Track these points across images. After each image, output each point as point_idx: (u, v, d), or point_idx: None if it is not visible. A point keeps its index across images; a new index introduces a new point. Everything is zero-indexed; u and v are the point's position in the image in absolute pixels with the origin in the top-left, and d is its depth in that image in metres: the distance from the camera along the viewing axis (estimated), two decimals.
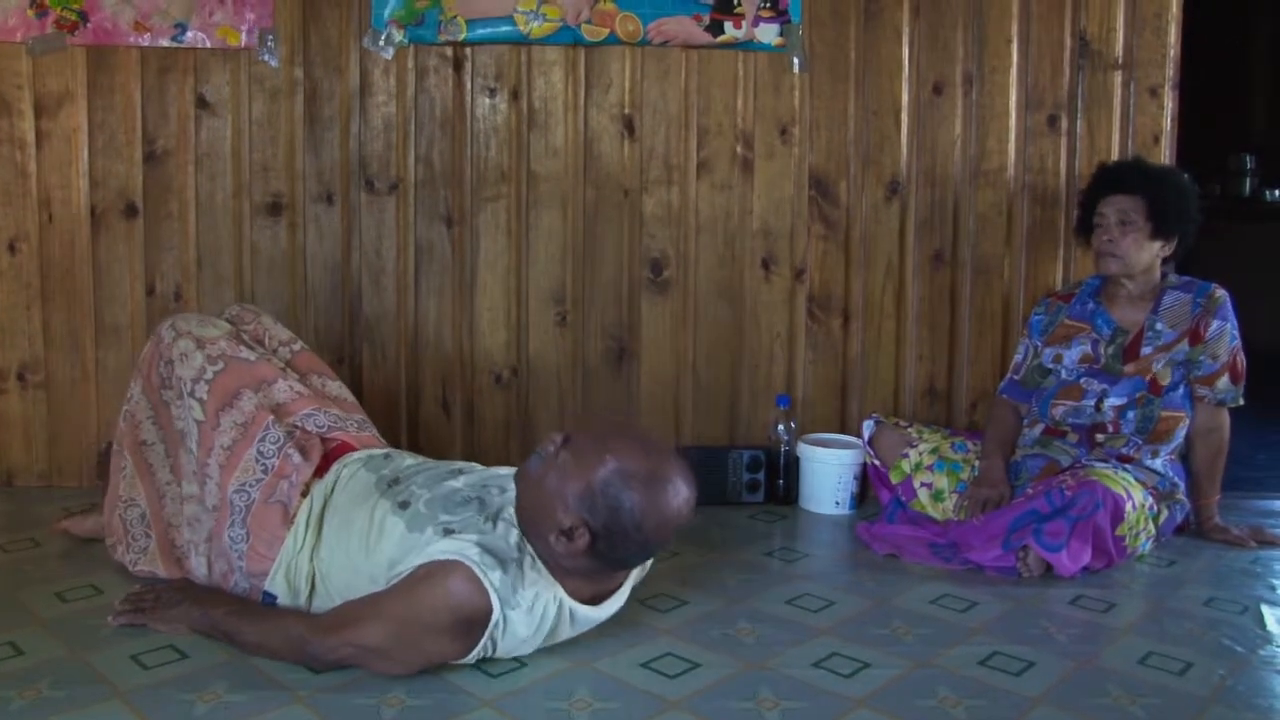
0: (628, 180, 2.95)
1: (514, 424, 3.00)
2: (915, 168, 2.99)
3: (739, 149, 2.96)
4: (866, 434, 2.87)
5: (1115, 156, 2.97)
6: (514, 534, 1.85)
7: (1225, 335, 2.63)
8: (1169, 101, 3.00)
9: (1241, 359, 2.66)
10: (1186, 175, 2.73)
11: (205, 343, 2.15)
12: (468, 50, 2.89)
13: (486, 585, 1.75)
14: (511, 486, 1.93)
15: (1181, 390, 2.65)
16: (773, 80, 2.94)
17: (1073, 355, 2.72)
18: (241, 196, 2.89)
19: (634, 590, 2.06)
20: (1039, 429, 2.74)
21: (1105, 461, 2.58)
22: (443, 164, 2.92)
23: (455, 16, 2.84)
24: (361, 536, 1.93)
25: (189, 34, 2.81)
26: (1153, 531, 2.54)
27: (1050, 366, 2.75)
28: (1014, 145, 3.00)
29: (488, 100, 2.91)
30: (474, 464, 2.15)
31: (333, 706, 1.73)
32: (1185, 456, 2.71)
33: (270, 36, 2.84)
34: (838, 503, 2.87)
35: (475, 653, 1.81)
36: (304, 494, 2.05)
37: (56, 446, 2.90)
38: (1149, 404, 2.62)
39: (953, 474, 2.72)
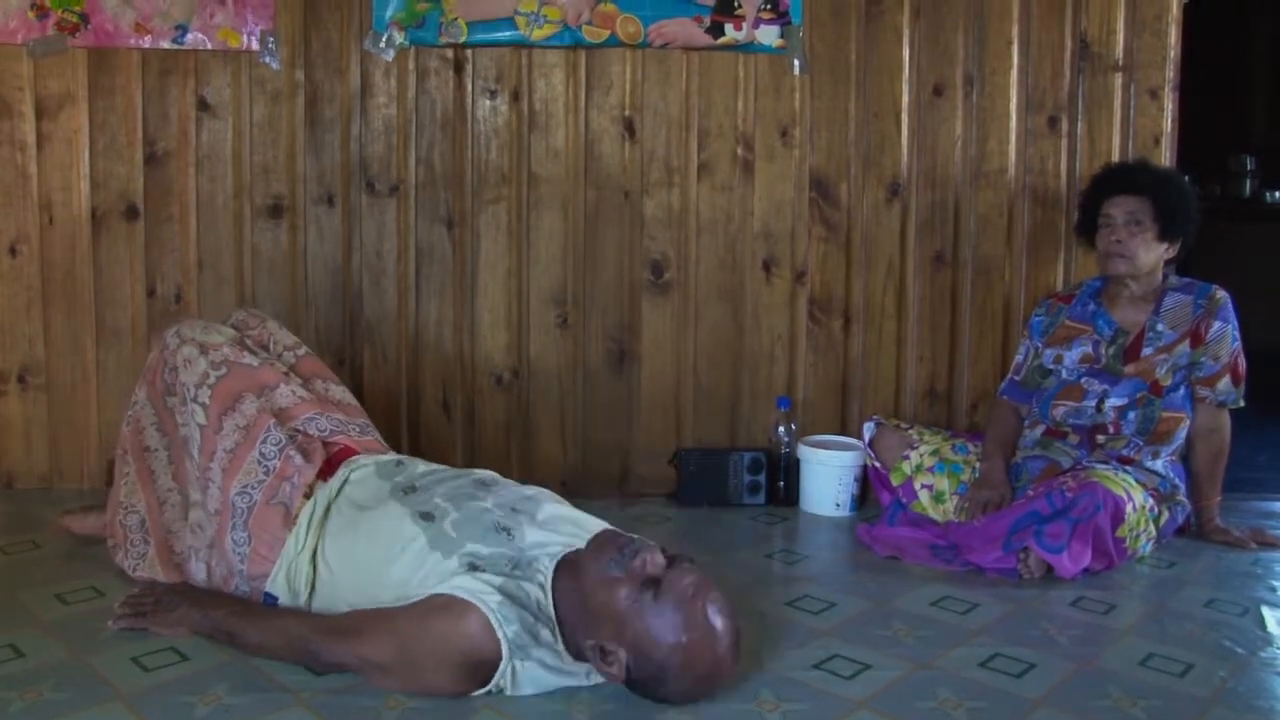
0: (628, 182, 2.95)
1: (514, 426, 3.00)
2: (916, 169, 2.99)
3: (740, 151, 2.96)
4: (867, 436, 2.87)
5: (1116, 158, 2.97)
6: (539, 592, 1.78)
7: (1226, 336, 2.63)
8: (1169, 103, 3.00)
9: (1242, 360, 2.66)
10: (1186, 177, 2.73)
11: (209, 349, 2.15)
12: (468, 52, 2.89)
13: (500, 635, 1.71)
14: (544, 517, 1.91)
15: (1182, 391, 2.65)
16: (773, 82, 2.94)
17: (1073, 356, 2.72)
18: (242, 198, 2.89)
19: None
20: (1040, 430, 2.74)
21: (1106, 463, 2.58)
22: (443, 166, 2.92)
23: (456, 18, 2.85)
24: (373, 541, 1.92)
25: (190, 36, 2.81)
26: (1153, 533, 2.54)
27: (1051, 367, 2.76)
28: (1014, 147, 3.00)
29: (488, 102, 2.91)
30: (493, 473, 2.11)
31: (334, 708, 1.73)
32: (1186, 458, 2.70)
33: (271, 38, 2.84)
34: (838, 504, 2.87)
35: (478, 694, 1.77)
36: (307, 496, 2.04)
37: (57, 448, 2.90)
38: (1150, 405, 2.62)
39: (953, 475, 2.72)
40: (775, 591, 2.30)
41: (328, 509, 2.03)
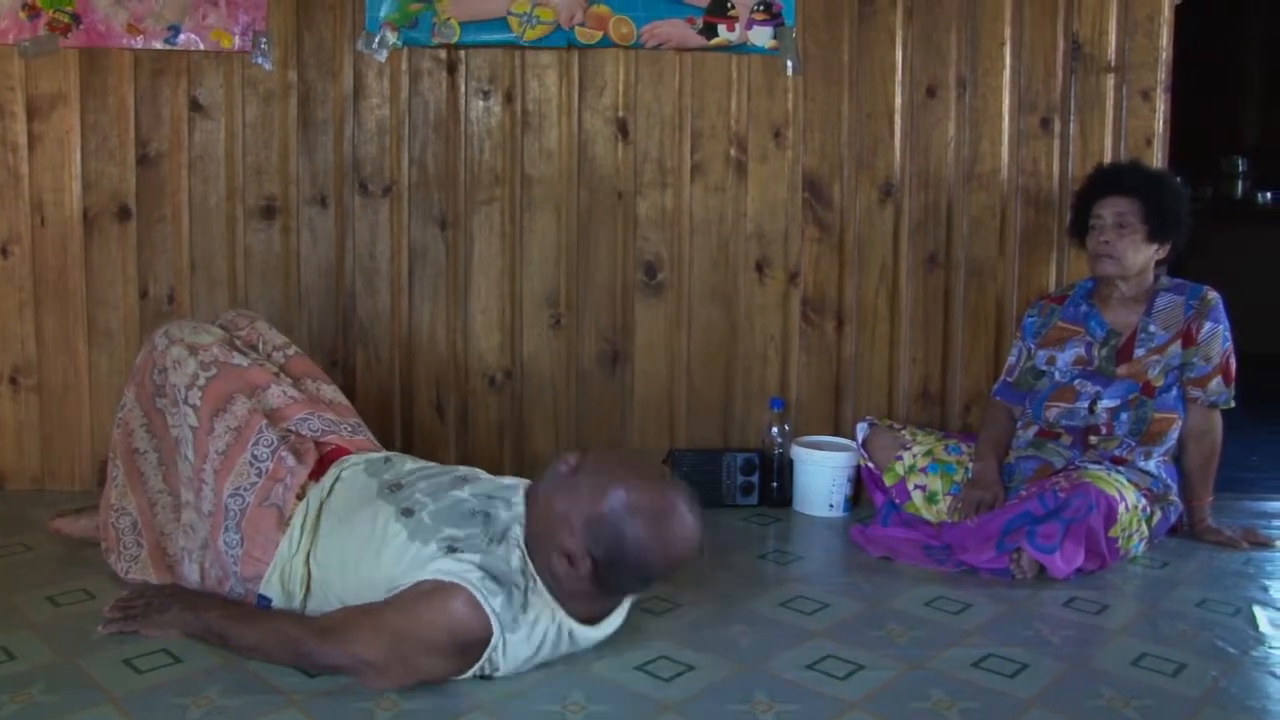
0: (622, 183, 2.95)
1: (508, 427, 3.00)
2: (909, 170, 3.00)
3: (733, 152, 2.96)
4: (860, 436, 2.87)
5: (1108, 159, 2.97)
6: (516, 555, 1.83)
7: (1217, 337, 2.64)
8: (1161, 104, 3.01)
9: (1233, 361, 2.66)
10: (1178, 178, 2.74)
11: (198, 349, 2.14)
12: (461, 53, 2.89)
13: (487, 610, 1.74)
14: (518, 500, 1.93)
15: (1174, 392, 2.66)
16: (766, 83, 2.94)
17: (1066, 358, 2.72)
18: (235, 199, 2.88)
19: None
20: (1032, 431, 2.74)
21: (1099, 463, 2.58)
22: (436, 167, 2.92)
23: (449, 19, 2.84)
24: (362, 540, 1.92)
25: (182, 36, 2.81)
26: (1146, 533, 2.55)
27: (1044, 368, 2.76)
28: (1007, 148, 3.00)
29: (481, 103, 2.91)
30: (477, 470, 2.13)
31: (327, 711, 1.73)
32: (1178, 458, 2.71)
33: (264, 39, 2.83)
34: (832, 505, 2.87)
35: (472, 672, 1.80)
36: (299, 497, 2.04)
37: (49, 450, 2.89)
38: (1142, 406, 2.63)
39: (946, 476, 2.72)
40: (769, 592, 2.30)
41: (320, 510, 2.03)
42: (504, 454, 2.98)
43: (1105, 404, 2.64)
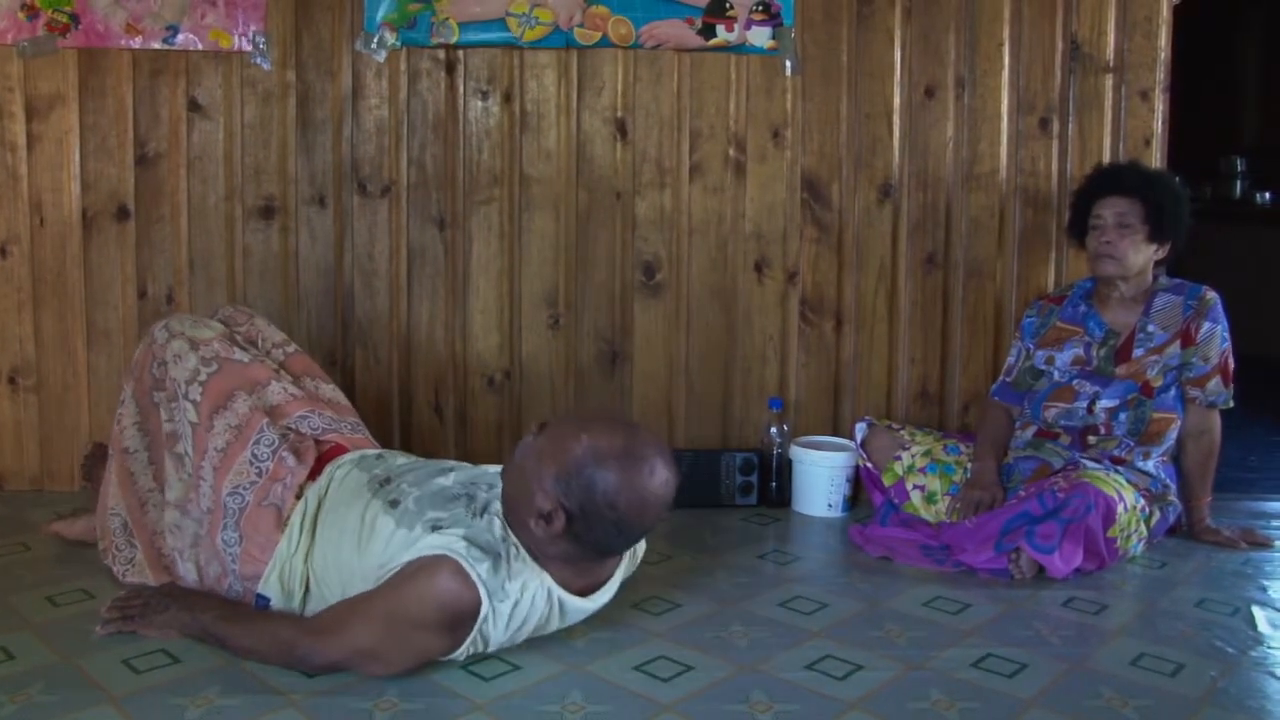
0: (620, 183, 2.95)
1: (506, 427, 2.99)
2: (907, 170, 3.00)
3: (731, 152, 2.96)
4: (859, 436, 2.87)
5: (1106, 159, 2.97)
6: (498, 525, 1.86)
7: (1216, 337, 2.64)
8: (1160, 104, 3.01)
9: (1232, 361, 2.67)
10: (1178, 179, 2.74)
11: (199, 344, 2.14)
12: (460, 53, 2.89)
13: (474, 578, 1.76)
14: (499, 482, 1.94)
15: (1173, 392, 2.66)
16: (765, 83, 2.94)
17: (1065, 358, 2.73)
18: (234, 199, 2.88)
19: (626, 593, 2.07)
20: (1031, 431, 2.75)
21: (1097, 463, 2.59)
22: (435, 167, 2.92)
23: (447, 19, 2.84)
24: (354, 536, 1.93)
25: (180, 36, 2.81)
26: (1144, 533, 2.55)
27: (1043, 369, 2.76)
28: (1006, 148, 3.00)
29: (480, 103, 2.91)
30: (465, 464, 2.15)
31: (325, 710, 1.73)
32: (1177, 458, 2.71)
33: (262, 39, 2.83)
34: (830, 505, 2.87)
35: (465, 648, 1.81)
36: (298, 496, 2.04)
37: (48, 450, 2.89)
38: (1141, 406, 2.63)
39: (945, 476, 2.72)
40: (767, 592, 2.30)
41: (318, 508, 2.03)
42: (503, 454, 2.97)
43: (1104, 404, 2.65)
